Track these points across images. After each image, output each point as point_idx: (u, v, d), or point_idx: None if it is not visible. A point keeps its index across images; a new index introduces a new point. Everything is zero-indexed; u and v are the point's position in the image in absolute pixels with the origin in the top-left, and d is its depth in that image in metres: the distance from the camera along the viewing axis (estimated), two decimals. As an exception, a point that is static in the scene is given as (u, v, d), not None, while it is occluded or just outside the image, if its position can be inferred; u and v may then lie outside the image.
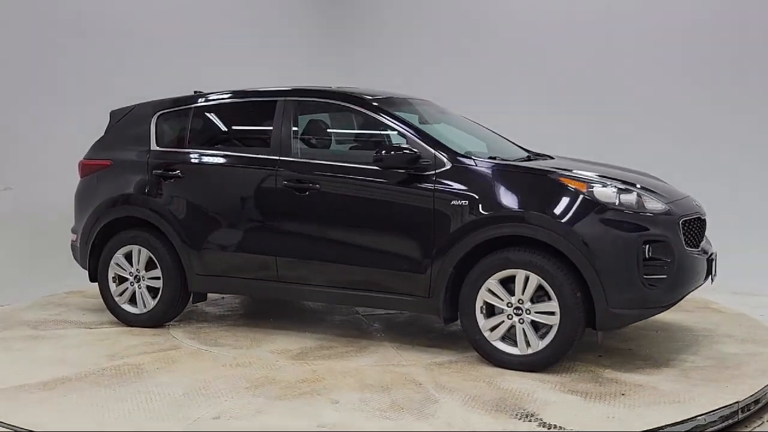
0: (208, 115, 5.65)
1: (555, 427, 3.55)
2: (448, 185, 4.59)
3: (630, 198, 4.36)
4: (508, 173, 4.61)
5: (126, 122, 5.81)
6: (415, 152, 4.64)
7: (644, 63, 7.94)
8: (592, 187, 4.38)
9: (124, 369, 4.48)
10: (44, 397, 4.01)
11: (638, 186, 4.55)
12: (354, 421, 3.66)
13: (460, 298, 4.57)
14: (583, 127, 7.93)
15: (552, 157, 5.36)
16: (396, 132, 4.92)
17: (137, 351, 4.90)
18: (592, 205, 4.31)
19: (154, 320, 5.50)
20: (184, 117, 5.61)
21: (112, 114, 5.95)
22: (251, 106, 5.56)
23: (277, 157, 5.09)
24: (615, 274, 4.22)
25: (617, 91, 8.02)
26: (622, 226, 4.28)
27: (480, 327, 4.51)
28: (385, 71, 9.01)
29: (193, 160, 5.41)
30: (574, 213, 4.31)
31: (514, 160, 4.95)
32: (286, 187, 5.00)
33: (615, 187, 4.40)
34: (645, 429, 3.52)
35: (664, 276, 4.29)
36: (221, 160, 5.33)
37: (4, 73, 6.91)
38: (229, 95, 5.58)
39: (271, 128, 5.25)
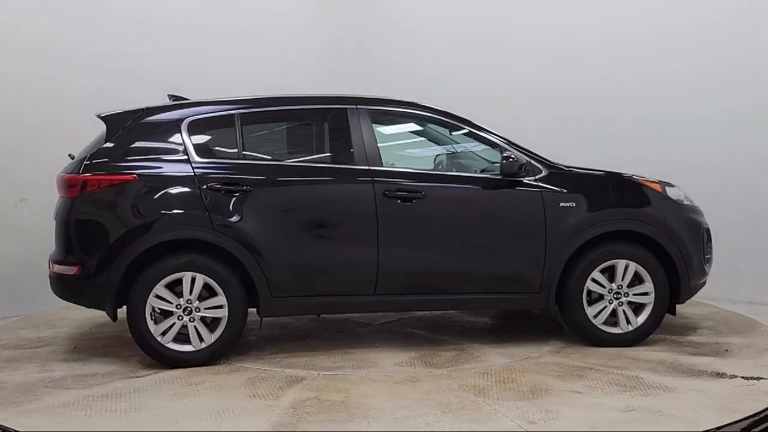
0: (262, 123, 5.13)
1: (754, 378, 4.40)
2: (552, 189, 5.09)
3: (681, 194, 5.42)
4: (593, 177, 5.28)
5: (139, 130, 4.89)
6: (524, 160, 5.04)
7: (649, 69, 7.84)
8: (665, 186, 5.32)
9: (311, 405, 3.98)
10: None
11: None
12: (639, 401, 3.98)
13: (568, 290, 5.10)
14: (582, 134, 8.09)
15: None
16: (489, 142, 5.20)
17: (271, 388, 4.31)
18: (669, 201, 5.27)
19: (216, 356, 4.81)
20: (228, 124, 4.97)
21: (108, 120, 4.92)
22: (315, 114, 5.21)
23: (369, 167, 4.94)
24: (693, 256, 5.23)
25: (617, 96, 7.99)
26: (692, 218, 5.32)
27: (587, 314, 5.13)
28: (383, 75, 8.61)
29: (262, 173, 4.87)
30: (662, 209, 5.22)
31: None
32: (387, 196, 4.90)
33: (675, 186, 5.41)
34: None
35: (710, 256, 5.45)
36: (299, 172, 4.93)
37: (19, 85, 6.90)
38: (283, 102, 5.14)
39: (342, 137, 5.07)
